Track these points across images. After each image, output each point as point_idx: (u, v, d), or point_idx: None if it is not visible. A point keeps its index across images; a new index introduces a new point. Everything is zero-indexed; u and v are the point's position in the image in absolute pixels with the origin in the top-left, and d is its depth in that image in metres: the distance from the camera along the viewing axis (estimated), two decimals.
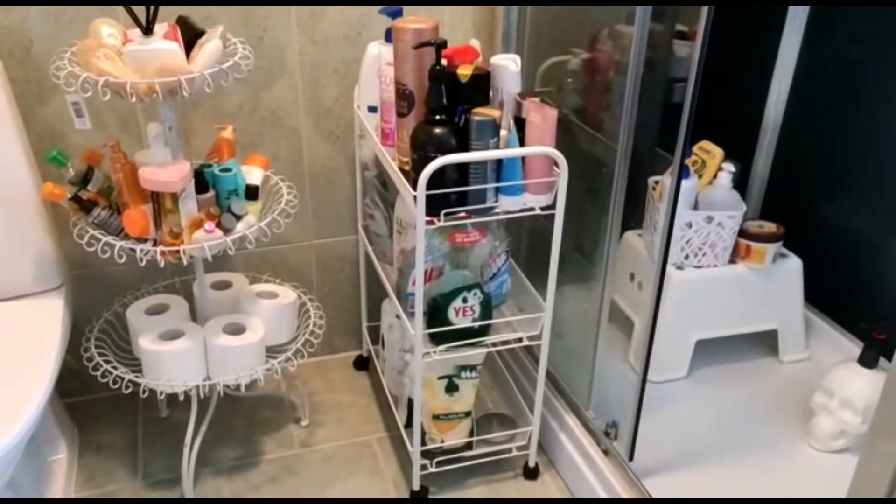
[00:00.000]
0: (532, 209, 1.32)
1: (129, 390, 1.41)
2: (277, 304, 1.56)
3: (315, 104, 1.68)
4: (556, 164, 1.29)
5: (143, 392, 1.43)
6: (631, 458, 1.42)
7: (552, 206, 1.32)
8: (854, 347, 1.66)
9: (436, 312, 1.37)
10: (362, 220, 1.74)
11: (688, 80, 1.18)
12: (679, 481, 1.41)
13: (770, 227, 1.65)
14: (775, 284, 1.67)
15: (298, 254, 1.82)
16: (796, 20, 1.70)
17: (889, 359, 1.47)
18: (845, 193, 1.73)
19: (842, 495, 1.34)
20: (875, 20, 1.60)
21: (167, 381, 1.41)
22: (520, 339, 1.42)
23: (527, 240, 1.72)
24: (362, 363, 1.93)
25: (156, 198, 1.28)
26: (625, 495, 1.39)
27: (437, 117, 1.26)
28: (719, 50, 1.14)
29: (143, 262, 1.28)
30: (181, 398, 1.44)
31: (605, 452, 1.47)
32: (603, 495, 1.45)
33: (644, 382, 1.37)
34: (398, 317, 1.49)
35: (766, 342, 1.73)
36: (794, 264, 1.67)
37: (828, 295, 1.74)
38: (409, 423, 1.53)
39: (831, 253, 1.72)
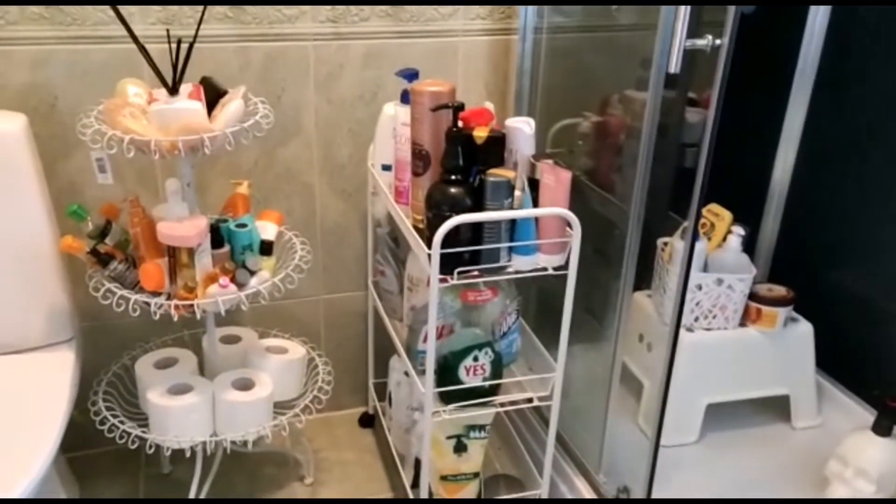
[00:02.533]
0: (545, 269, 1.33)
1: (135, 445, 1.40)
2: (287, 359, 1.56)
3: (329, 162, 1.71)
4: (569, 225, 1.31)
5: (150, 448, 1.41)
6: None
7: (564, 267, 1.33)
8: (867, 415, 1.64)
9: (446, 370, 1.36)
10: (373, 276, 1.75)
11: (700, 144, 1.20)
12: None
13: (780, 290, 1.66)
14: (786, 349, 1.66)
15: (307, 308, 1.82)
16: (802, 89, 1.74)
17: None
18: (854, 259, 1.74)
19: None
20: (878, 92, 1.63)
21: (174, 436, 1.39)
22: (530, 400, 1.41)
23: (537, 299, 1.73)
24: (368, 420, 1.91)
25: (172, 252, 1.29)
26: None
27: (453, 177, 1.28)
28: (729, 116, 1.16)
29: (157, 316, 1.28)
30: (187, 454, 1.43)
31: None
32: None
33: (657, 447, 1.35)
34: (407, 374, 1.49)
35: (778, 408, 1.71)
36: (804, 328, 1.67)
37: (839, 361, 1.73)
38: (415, 484, 1.50)
39: (841, 318, 1.72)
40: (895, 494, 1.41)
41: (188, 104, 1.21)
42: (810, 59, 1.70)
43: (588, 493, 1.51)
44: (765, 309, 1.63)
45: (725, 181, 1.55)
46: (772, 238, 1.84)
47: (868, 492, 1.41)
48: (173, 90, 1.23)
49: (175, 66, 1.23)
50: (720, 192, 1.66)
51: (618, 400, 1.47)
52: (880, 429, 1.43)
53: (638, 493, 1.39)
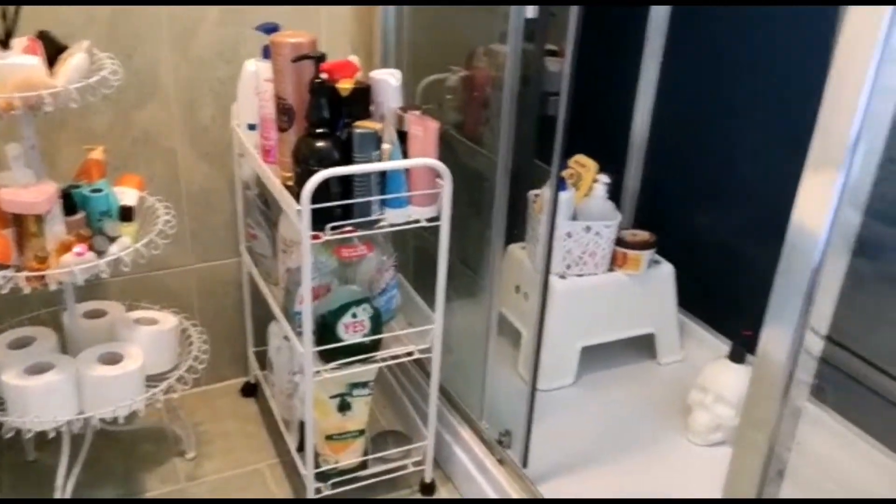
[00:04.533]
0: (418, 221, 1.33)
1: None
2: (157, 330, 1.49)
3: (191, 124, 1.64)
4: (439, 176, 1.31)
5: (7, 433, 1.32)
6: (525, 465, 1.44)
7: (437, 219, 1.34)
8: (724, 346, 1.76)
9: (325, 330, 1.35)
10: (245, 241, 1.70)
11: (560, 93, 1.23)
12: (572, 483, 1.44)
13: (643, 235, 1.74)
14: (650, 290, 1.75)
15: (178, 279, 1.75)
16: (655, 39, 1.81)
17: (755, 354, 1.58)
18: (710, 202, 1.84)
19: (720, 484, 1.42)
20: (728, 39, 1.72)
21: (35, 417, 1.31)
22: (411, 353, 1.42)
23: (413, 255, 1.73)
24: (250, 390, 1.87)
25: (19, 221, 1.20)
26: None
27: (319, 131, 1.25)
28: (588, 68, 1.20)
29: (6, 290, 1.19)
30: (51, 436, 1.35)
31: (500, 461, 1.49)
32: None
33: (534, 391, 1.40)
34: (286, 338, 1.46)
35: (645, 346, 1.81)
36: (666, 270, 1.76)
37: (698, 298, 1.84)
38: (301, 447, 1.49)
39: (700, 258, 1.83)
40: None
41: (23, 59, 1.12)
42: (661, 10, 1.77)
43: (472, 441, 1.55)
44: (630, 253, 1.71)
45: (590, 132, 1.60)
46: (635, 184, 1.93)
47: (727, 415, 1.52)
48: (4, 44, 1.13)
49: (5, 17, 1.13)
50: (586, 143, 1.72)
51: (497, 349, 1.50)
52: (735, 357, 1.54)
53: (519, 435, 1.44)
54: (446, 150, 1.36)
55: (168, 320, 1.53)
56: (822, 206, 0.78)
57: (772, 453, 0.89)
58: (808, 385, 0.86)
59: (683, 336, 1.84)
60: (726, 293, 1.82)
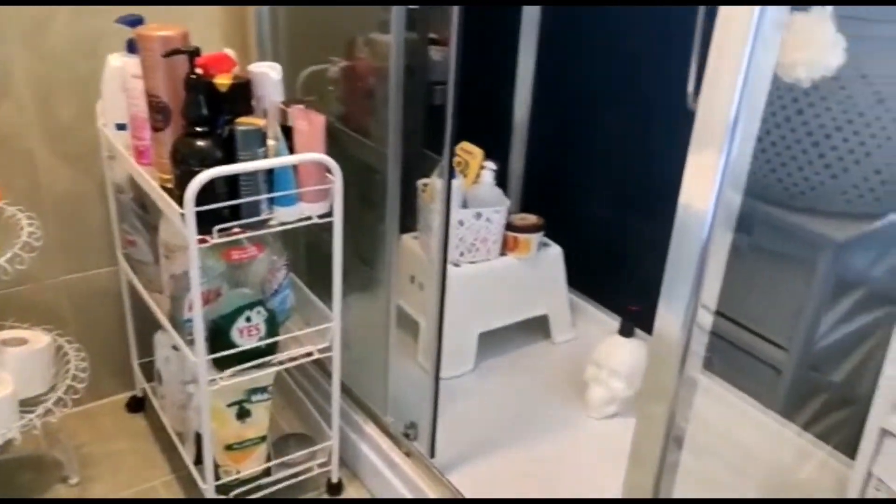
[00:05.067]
0: (309, 218, 1.29)
1: None
2: (27, 350, 1.38)
3: (50, 125, 1.51)
4: (328, 171, 1.28)
5: None
6: (432, 456, 1.44)
7: (329, 214, 1.30)
8: (613, 321, 1.83)
9: (218, 336, 1.29)
10: (122, 248, 1.59)
11: (447, 82, 1.23)
12: (480, 468, 1.45)
13: (531, 218, 1.77)
14: (541, 272, 1.79)
15: (48, 293, 1.62)
16: (530, 25, 1.84)
17: (644, 328, 1.65)
18: (592, 182, 1.90)
19: (619, 455, 1.47)
20: (599, 25, 1.77)
21: None
22: (310, 354, 1.38)
23: (305, 253, 1.69)
24: (137, 404, 1.77)
25: None
26: (431, 494, 1.41)
27: (199, 129, 1.19)
28: (466, 55, 1.20)
29: None
30: None
31: (408, 454, 1.48)
32: (409, 496, 1.45)
33: (438, 380, 1.40)
34: (175, 347, 1.39)
35: (539, 327, 1.84)
36: (555, 251, 1.80)
37: (586, 277, 1.90)
38: (199, 460, 1.42)
39: (585, 238, 1.88)
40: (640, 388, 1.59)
41: None
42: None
43: (377, 436, 1.53)
44: (520, 237, 1.74)
45: (472, 119, 1.61)
46: (519, 170, 1.96)
47: (620, 388, 1.57)
48: None
49: None
50: (470, 131, 1.72)
51: (397, 342, 1.49)
52: (625, 331, 1.60)
53: (425, 426, 1.43)
54: (333, 144, 1.32)
55: (39, 339, 1.42)
56: (706, 187, 0.81)
57: (672, 423, 0.93)
58: (701, 357, 0.90)
59: (575, 315, 1.89)
60: (612, 271, 1.89)
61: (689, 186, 0.83)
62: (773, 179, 1.12)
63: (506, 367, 1.78)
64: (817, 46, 1.14)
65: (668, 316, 0.89)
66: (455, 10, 1.18)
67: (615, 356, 1.59)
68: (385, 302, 1.46)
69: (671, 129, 1.70)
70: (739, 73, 0.75)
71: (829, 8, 1.10)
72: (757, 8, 0.73)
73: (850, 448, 1.35)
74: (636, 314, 1.60)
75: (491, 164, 1.72)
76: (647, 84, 1.70)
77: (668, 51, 1.57)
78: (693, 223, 0.83)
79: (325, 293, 1.41)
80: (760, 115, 0.79)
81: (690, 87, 1.49)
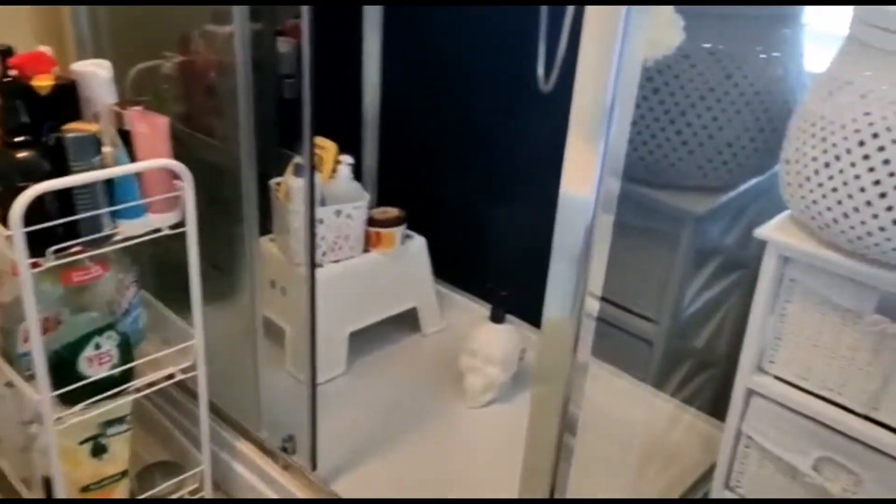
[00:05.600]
0: (159, 230, 1.19)
1: None
2: None
3: None
4: (177, 177, 1.18)
5: None
6: (314, 467, 1.37)
7: (182, 224, 1.20)
8: (481, 308, 1.84)
9: (62, 368, 1.16)
10: None
11: (300, 75, 1.16)
12: (365, 475, 1.41)
13: (392, 211, 1.74)
14: (407, 265, 1.76)
15: None
16: (373, 11, 1.79)
17: (512, 312, 1.67)
18: (449, 169, 1.89)
19: (504, 441, 1.48)
20: (443, 7, 1.75)
21: None
22: (172, 376, 1.28)
23: (154, 265, 1.55)
24: None
25: None
26: None
27: (19, 139, 1.05)
28: (314, 45, 1.15)
29: None
30: None
31: (286, 468, 1.40)
32: None
33: (314, 388, 1.34)
34: (10, 384, 1.23)
35: (408, 320, 1.82)
36: (419, 243, 1.78)
37: (452, 265, 1.89)
38: None
39: (448, 227, 1.88)
40: (515, 374, 1.61)
41: None
42: None
43: (253, 454, 1.45)
44: (383, 232, 1.70)
45: (322, 111, 1.55)
46: (374, 162, 1.92)
47: (496, 374, 1.58)
48: None
49: None
50: (320, 124, 1.65)
51: (264, 351, 1.41)
52: (497, 318, 1.61)
53: (303, 438, 1.37)
54: (178, 146, 1.22)
55: None
56: (588, 173, 0.81)
57: (566, 408, 0.93)
58: (591, 341, 0.91)
59: (444, 305, 1.88)
60: (476, 258, 1.90)
61: (569, 174, 0.82)
62: (636, 158, 1.15)
63: (379, 365, 1.74)
64: (656, 27, 1.19)
65: (556, 304, 0.89)
66: None
67: (489, 343, 1.59)
68: (249, 310, 1.38)
69: (525, 111, 1.73)
70: (612, 59, 0.76)
71: None
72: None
73: (714, 408, 1.44)
74: (505, 300, 1.61)
75: (347, 158, 1.66)
76: (497, 67, 1.71)
77: (517, 32, 1.58)
78: (576, 210, 0.83)
79: (182, 307, 1.31)
80: (634, 98, 0.80)
81: (541, 70, 1.51)
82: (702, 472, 1.34)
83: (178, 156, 1.18)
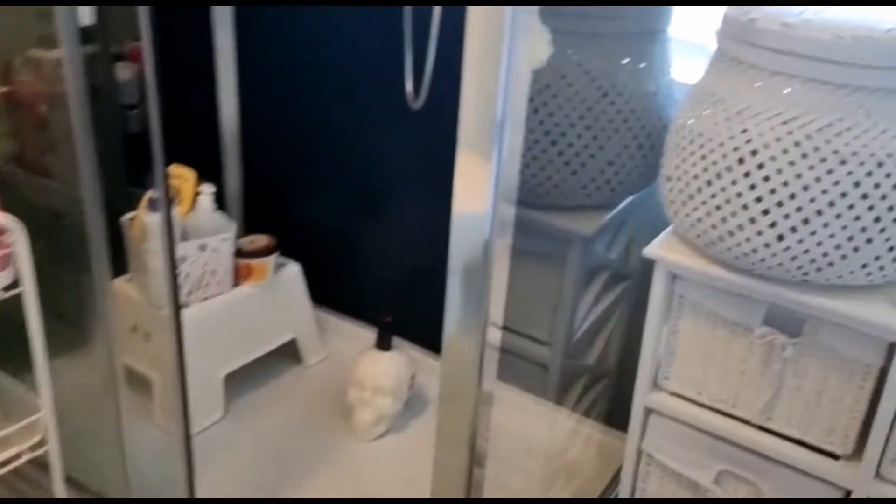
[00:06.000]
0: None
1: None
2: None
3: None
4: (3, 231, 1.02)
5: None
6: None
7: (16, 284, 1.05)
8: (365, 332, 1.75)
9: None
10: None
11: (145, 102, 1.04)
12: None
13: (262, 240, 1.62)
14: (282, 295, 1.66)
15: None
16: (223, 25, 1.66)
17: (400, 334, 1.60)
18: (320, 189, 1.79)
19: (399, 475, 1.41)
20: (300, 17, 1.65)
21: None
22: (18, 456, 1.11)
23: None
24: None
25: None
26: None
27: None
28: (157, 65, 1.03)
29: None
30: None
31: None
32: None
33: (189, 441, 1.22)
34: None
35: (289, 353, 1.71)
36: (293, 270, 1.68)
37: (331, 291, 1.80)
38: None
39: (323, 251, 1.78)
40: (406, 402, 1.54)
41: None
42: None
43: None
44: (253, 262, 1.58)
45: (174, 140, 1.42)
46: (237, 188, 1.79)
47: (387, 404, 1.51)
48: None
49: None
50: (174, 150, 1.51)
51: (128, 406, 1.27)
52: (382, 345, 1.53)
53: (180, 496, 1.24)
54: (8, 193, 1.06)
55: None
56: (481, 194, 0.76)
57: (474, 441, 0.87)
58: (495, 369, 0.86)
59: (325, 332, 1.79)
60: (355, 280, 1.81)
61: (462, 195, 0.77)
62: (520, 181, 1.11)
63: (260, 404, 1.62)
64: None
65: (457, 332, 0.83)
66: (143, 13, 0.99)
67: (377, 373, 1.51)
68: (106, 362, 1.23)
69: (395, 128, 1.66)
70: (500, 72, 0.71)
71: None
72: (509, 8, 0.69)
73: (612, 418, 1.44)
74: (390, 324, 1.54)
75: (208, 188, 1.53)
76: (363, 84, 1.63)
77: (384, 48, 1.51)
78: (471, 232, 0.78)
79: (22, 372, 1.15)
80: (525, 112, 0.76)
81: (409, 86, 1.45)
82: (606, 484, 1.33)
83: (8, 203, 1.03)
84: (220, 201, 1.64)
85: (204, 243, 1.49)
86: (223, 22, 1.65)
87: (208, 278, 1.52)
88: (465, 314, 0.81)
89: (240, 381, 1.60)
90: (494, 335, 0.85)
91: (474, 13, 0.70)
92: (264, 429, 1.55)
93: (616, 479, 1.20)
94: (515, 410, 1.44)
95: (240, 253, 1.58)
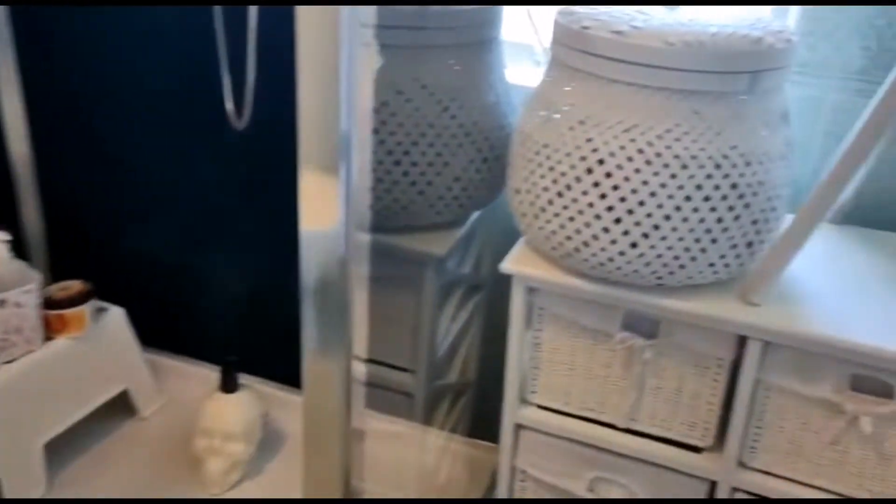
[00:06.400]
0: None
1: None
2: None
3: None
4: None
5: None
6: None
7: None
8: (206, 370, 1.62)
9: None
10: None
11: None
12: None
13: (75, 286, 1.44)
14: (105, 344, 1.48)
15: None
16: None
17: (243, 369, 1.48)
18: (137, 224, 1.63)
19: None
20: (92, 33, 1.49)
21: None
22: None
23: None
24: None
25: None
26: None
27: None
28: None
29: None
30: None
31: None
32: None
33: None
34: None
35: (122, 405, 1.54)
36: (116, 315, 1.50)
37: (164, 332, 1.64)
38: None
39: (150, 289, 1.62)
40: (259, 443, 1.44)
41: None
42: None
43: None
44: (66, 313, 1.40)
45: None
46: (37, 232, 1.58)
47: (240, 451, 1.39)
48: None
49: None
50: None
51: None
52: (228, 387, 1.42)
53: None
54: None
55: None
56: (331, 213, 0.69)
57: (348, 483, 0.80)
58: (363, 403, 0.80)
59: (161, 376, 1.62)
60: (190, 318, 1.67)
61: (309, 214, 0.69)
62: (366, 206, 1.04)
63: (93, 468, 1.44)
64: None
65: (318, 360, 0.75)
66: None
67: (225, 418, 1.39)
68: None
69: (219, 149, 1.53)
70: (340, 79, 0.64)
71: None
72: (345, 8, 0.62)
73: (478, 431, 1.41)
74: (234, 364, 1.42)
75: (3, 235, 1.33)
76: (177, 104, 1.49)
77: (201, 58, 1.38)
78: (324, 251, 0.70)
79: None
80: (371, 122, 0.69)
81: (230, 105, 1.34)
82: (481, 495, 1.31)
83: None
84: (19, 248, 1.44)
85: (2, 299, 1.30)
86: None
87: (13, 337, 1.33)
88: (324, 340, 0.74)
89: (66, 446, 1.42)
90: (359, 366, 0.78)
91: (305, 14, 0.62)
92: (100, 495, 1.38)
93: (491, 488, 1.17)
94: (380, 437, 1.38)
95: (50, 303, 1.39)
